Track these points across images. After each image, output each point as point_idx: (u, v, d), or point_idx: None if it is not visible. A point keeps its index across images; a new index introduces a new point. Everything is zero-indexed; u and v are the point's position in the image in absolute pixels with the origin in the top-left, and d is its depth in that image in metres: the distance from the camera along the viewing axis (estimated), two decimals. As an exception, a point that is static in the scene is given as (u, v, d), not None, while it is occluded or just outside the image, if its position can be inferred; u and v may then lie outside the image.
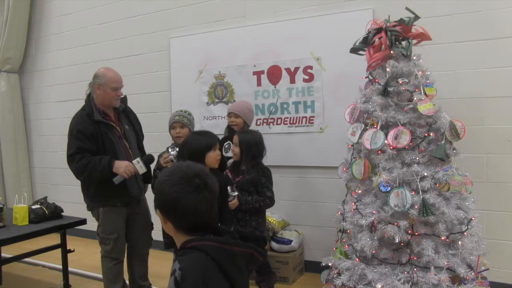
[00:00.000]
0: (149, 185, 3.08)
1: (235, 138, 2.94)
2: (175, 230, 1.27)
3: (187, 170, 1.27)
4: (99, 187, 2.73)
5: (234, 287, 1.21)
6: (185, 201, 1.21)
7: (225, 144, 3.28)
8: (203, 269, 1.16)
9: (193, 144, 2.37)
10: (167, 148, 2.89)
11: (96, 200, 2.79)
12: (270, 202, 2.88)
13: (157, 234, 3.12)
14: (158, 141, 3.34)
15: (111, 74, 2.78)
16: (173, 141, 3.05)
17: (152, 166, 3.03)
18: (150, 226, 3.06)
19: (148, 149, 3.12)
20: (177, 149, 2.80)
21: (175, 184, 1.22)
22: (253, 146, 2.89)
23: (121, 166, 2.66)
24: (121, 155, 2.76)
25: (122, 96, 2.86)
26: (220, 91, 4.01)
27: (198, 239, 1.22)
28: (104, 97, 2.76)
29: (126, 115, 2.97)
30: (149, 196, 3.02)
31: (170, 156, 2.76)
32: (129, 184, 2.77)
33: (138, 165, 2.72)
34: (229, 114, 3.26)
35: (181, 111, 3.07)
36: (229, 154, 3.17)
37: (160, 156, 2.96)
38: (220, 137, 3.40)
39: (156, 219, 3.03)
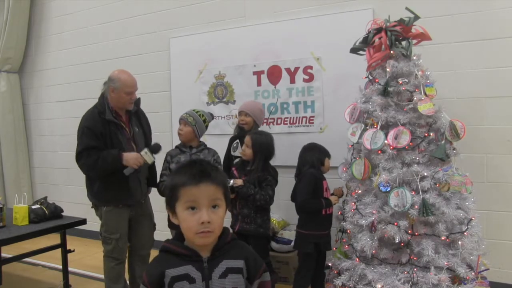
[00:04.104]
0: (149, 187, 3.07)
1: (247, 139, 2.92)
2: None
3: None
4: (103, 187, 2.74)
5: None
6: None
7: (233, 143, 3.28)
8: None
9: (323, 151, 2.97)
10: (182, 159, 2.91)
11: (99, 197, 2.80)
12: (270, 200, 2.88)
13: (159, 235, 3.12)
14: (158, 142, 3.34)
15: (125, 78, 2.76)
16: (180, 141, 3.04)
17: (158, 170, 3.04)
18: (153, 227, 3.06)
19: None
20: None
21: None
22: (265, 149, 2.90)
23: (131, 158, 2.69)
24: None
25: (136, 99, 2.87)
26: (220, 91, 4.00)
27: (228, 232, 1.28)
28: (118, 100, 2.77)
29: (138, 117, 2.98)
30: (153, 196, 3.05)
31: None
32: (133, 188, 2.78)
33: (147, 156, 2.74)
34: (240, 113, 3.25)
35: (194, 110, 3.04)
36: (237, 153, 3.16)
37: (171, 157, 2.96)
38: (229, 137, 3.42)
39: (158, 220, 3.06)
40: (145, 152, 2.74)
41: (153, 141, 3.14)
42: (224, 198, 1.22)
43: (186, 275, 1.18)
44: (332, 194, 2.97)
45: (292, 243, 3.44)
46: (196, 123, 2.96)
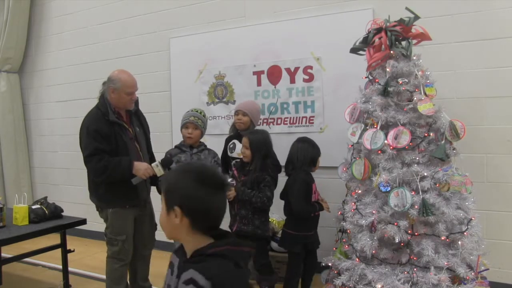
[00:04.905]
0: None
1: (245, 141, 2.90)
2: (191, 230, 1.18)
3: (207, 169, 1.26)
4: (109, 188, 2.71)
5: None
6: (213, 199, 1.18)
7: (229, 144, 3.26)
8: (234, 280, 1.13)
9: (317, 148, 2.98)
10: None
11: (104, 200, 2.77)
12: (268, 201, 2.84)
13: (160, 235, 3.12)
14: (158, 142, 3.34)
15: (126, 78, 2.73)
16: (182, 140, 3.04)
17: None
18: (155, 227, 3.06)
19: (148, 149, 3.11)
20: None
21: (202, 182, 1.17)
22: (262, 146, 2.89)
23: (141, 169, 2.68)
24: (133, 157, 2.74)
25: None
26: (220, 91, 4.01)
27: (219, 244, 1.17)
28: (118, 100, 2.74)
29: (137, 117, 2.96)
30: (154, 196, 3.05)
31: None
32: (139, 188, 2.77)
33: (157, 168, 2.72)
34: (237, 112, 3.21)
35: (196, 111, 3.04)
36: (234, 154, 3.15)
37: (171, 156, 2.96)
38: (225, 137, 3.41)
39: (158, 220, 3.05)
40: (156, 165, 2.73)
41: (152, 140, 3.15)
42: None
43: (171, 263, 1.26)
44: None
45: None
46: (204, 125, 2.99)
